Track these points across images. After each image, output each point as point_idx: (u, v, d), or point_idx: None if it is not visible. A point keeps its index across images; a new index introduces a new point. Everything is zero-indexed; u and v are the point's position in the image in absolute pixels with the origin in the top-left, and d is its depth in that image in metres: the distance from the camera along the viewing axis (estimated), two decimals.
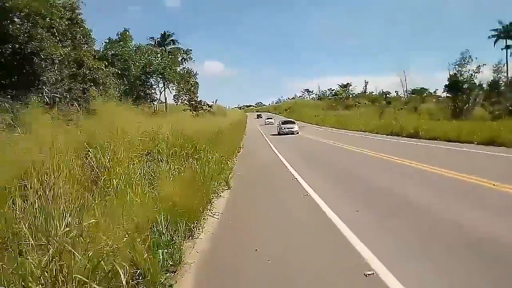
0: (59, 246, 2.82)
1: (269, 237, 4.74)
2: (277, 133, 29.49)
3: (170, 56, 37.71)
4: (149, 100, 35.93)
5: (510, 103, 25.78)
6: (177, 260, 3.73)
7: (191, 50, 46.51)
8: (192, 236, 4.75)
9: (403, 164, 10.03)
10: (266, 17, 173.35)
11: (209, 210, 5.99)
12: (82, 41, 28.10)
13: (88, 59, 23.07)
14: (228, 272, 3.75)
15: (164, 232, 4.09)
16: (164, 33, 48.90)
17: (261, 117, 71.77)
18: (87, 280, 2.61)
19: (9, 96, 14.34)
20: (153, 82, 37.52)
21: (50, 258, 2.69)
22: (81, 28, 27.82)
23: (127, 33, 32.10)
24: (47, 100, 15.94)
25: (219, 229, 5.18)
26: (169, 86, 42.73)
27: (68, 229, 3.14)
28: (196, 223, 5.06)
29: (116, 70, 25.02)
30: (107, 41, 31.35)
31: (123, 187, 4.92)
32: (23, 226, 3.14)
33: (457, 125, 18.34)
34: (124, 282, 2.76)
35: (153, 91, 36.34)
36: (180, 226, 4.38)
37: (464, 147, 13.29)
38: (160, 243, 3.78)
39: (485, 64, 55.36)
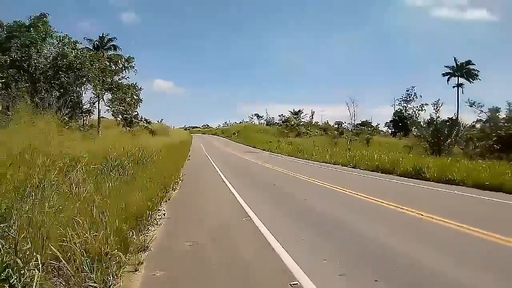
0: None
1: None
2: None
3: (92, 51, 28.92)
4: (78, 111, 27.48)
5: (494, 141, 23.03)
6: None
7: (133, 58, 37.46)
8: None
9: None
10: (218, 40, 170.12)
11: None
12: None
13: None
14: None
15: None
16: (103, 35, 39.45)
17: None
18: None
19: None
20: (88, 90, 29.03)
21: None
22: None
23: (45, 18, 23.72)
24: None
25: None
26: (104, 96, 34.47)
27: None
28: None
29: (6, 58, 17.20)
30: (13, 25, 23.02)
31: None
32: None
33: (477, 165, 13.70)
34: None
35: (76, 96, 27.87)
36: None
37: None
38: None
39: (427, 104, 57.70)
